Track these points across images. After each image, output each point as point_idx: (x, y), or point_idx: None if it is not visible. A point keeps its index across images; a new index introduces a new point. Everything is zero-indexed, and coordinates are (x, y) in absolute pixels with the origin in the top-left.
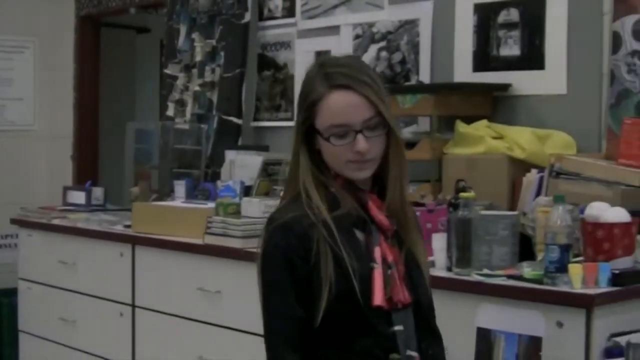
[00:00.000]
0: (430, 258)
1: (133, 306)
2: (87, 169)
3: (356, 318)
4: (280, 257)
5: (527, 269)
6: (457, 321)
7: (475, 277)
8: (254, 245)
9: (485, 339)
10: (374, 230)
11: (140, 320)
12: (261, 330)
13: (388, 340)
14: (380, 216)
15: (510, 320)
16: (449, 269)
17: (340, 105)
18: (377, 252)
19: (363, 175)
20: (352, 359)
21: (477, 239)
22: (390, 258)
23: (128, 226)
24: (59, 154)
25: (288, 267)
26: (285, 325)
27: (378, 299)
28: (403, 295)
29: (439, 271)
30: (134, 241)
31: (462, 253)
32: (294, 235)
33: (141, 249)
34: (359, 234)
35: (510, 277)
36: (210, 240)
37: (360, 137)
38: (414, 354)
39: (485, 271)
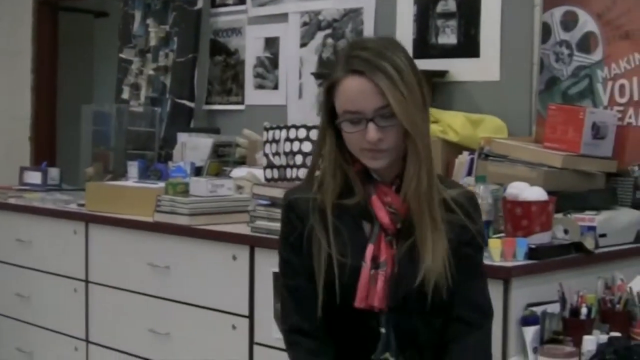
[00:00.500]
0: None
1: (86, 282)
2: (44, 150)
3: (339, 312)
4: (283, 235)
5: None
6: None
7: None
8: (201, 223)
9: None
10: (377, 225)
11: (94, 295)
12: (208, 303)
13: (369, 341)
14: (382, 212)
15: None
16: None
17: (354, 92)
18: (368, 250)
19: (377, 165)
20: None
21: None
22: (383, 257)
23: (82, 205)
24: (17, 136)
25: (289, 245)
26: (290, 296)
27: (359, 300)
28: (378, 299)
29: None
30: (87, 219)
31: None
32: (295, 216)
33: (94, 226)
34: (367, 227)
35: None
36: (160, 218)
37: (371, 125)
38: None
39: None
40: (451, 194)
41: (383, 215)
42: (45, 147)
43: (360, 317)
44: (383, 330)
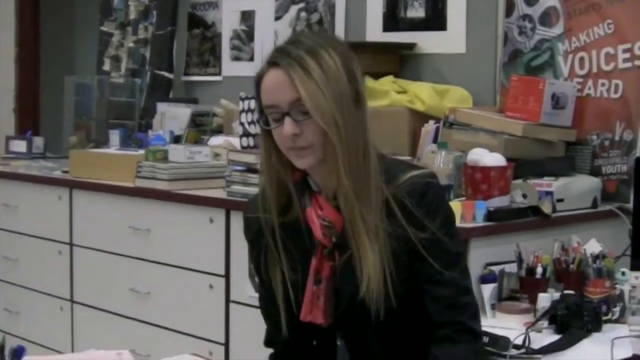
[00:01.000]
0: None
1: (71, 245)
2: (28, 121)
3: (303, 325)
4: (248, 249)
5: None
6: None
7: None
8: (179, 188)
9: None
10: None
11: (77, 257)
12: (186, 264)
13: (333, 352)
14: (315, 226)
15: None
16: None
17: (270, 84)
18: (312, 265)
19: (304, 164)
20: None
21: None
22: (323, 272)
23: (66, 172)
24: (2, 107)
25: (253, 260)
26: (261, 308)
27: (304, 315)
28: (320, 315)
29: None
30: (71, 185)
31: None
32: (252, 235)
33: (78, 192)
34: (309, 241)
35: None
36: (140, 183)
37: (286, 119)
38: None
39: None
40: (396, 191)
41: (316, 229)
42: (29, 117)
43: (320, 330)
44: (338, 342)
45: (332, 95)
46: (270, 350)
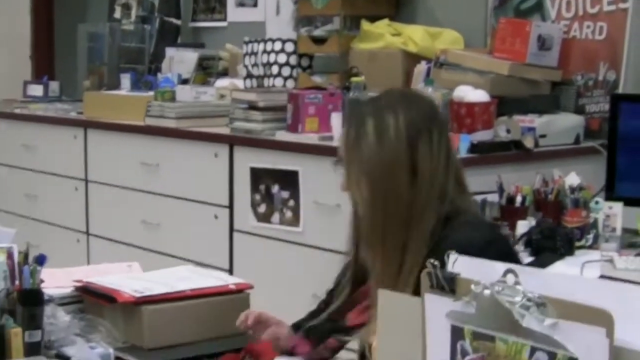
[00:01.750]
0: (329, 133)
1: (86, 181)
2: (43, 67)
3: None
4: None
5: None
6: None
7: None
8: (186, 125)
9: None
10: None
11: (92, 192)
12: (193, 196)
13: None
14: None
15: None
16: None
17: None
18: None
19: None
20: None
21: None
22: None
23: (81, 113)
24: (19, 54)
25: None
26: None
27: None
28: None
29: (336, 142)
30: (85, 125)
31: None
32: None
33: (92, 131)
34: None
35: None
36: (150, 121)
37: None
38: None
39: None
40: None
41: None
42: (45, 64)
43: None
44: None
45: (368, 165)
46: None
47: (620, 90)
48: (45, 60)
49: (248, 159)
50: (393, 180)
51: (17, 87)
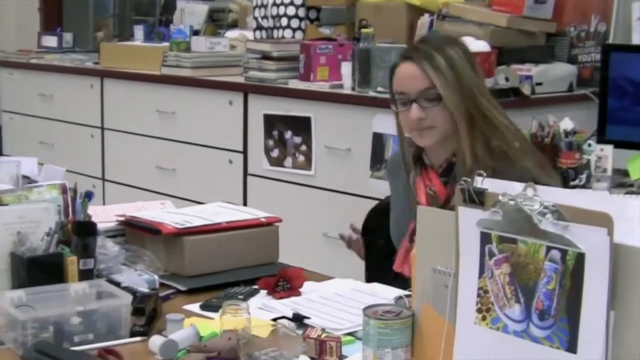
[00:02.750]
0: (339, 81)
1: (102, 129)
2: (52, 19)
3: None
4: None
5: None
6: (359, 127)
7: (372, 93)
8: (201, 74)
9: (379, 140)
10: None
11: (108, 139)
12: (208, 142)
13: None
14: (421, 193)
15: None
16: (353, 89)
17: (401, 74)
18: (411, 226)
19: (424, 143)
20: None
21: (375, 65)
22: None
23: (96, 63)
24: (27, 7)
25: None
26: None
27: (396, 265)
28: (406, 270)
29: (346, 90)
30: (102, 74)
31: (363, 76)
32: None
33: (108, 80)
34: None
35: None
36: (166, 71)
37: (413, 105)
38: None
39: (380, 89)
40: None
41: (421, 195)
42: (53, 16)
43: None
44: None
45: (458, 85)
46: None
47: (610, 41)
48: (54, 12)
49: (262, 106)
50: (472, 96)
51: (27, 39)
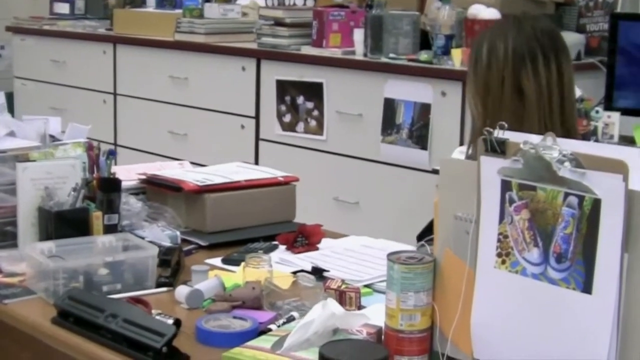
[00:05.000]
0: (352, 48)
1: (114, 94)
2: None
3: None
4: None
5: (423, 55)
6: (371, 93)
7: (384, 60)
8: (215, 40)
9: (390, 106)
10: None
11: (121, 105)
12: (220, 107)
13: None
14: None
15: (408, 91)
16: (365, 55)
17: None
18: None
19: None
20: None
21: (386, 32)
22: None
23: (109, 29)
24: None
25: None
26: None
27: None
28: None
29: (358, 56)
30: (115, 40)
31: (375, 42)
32: None
33: (121, 47)
34: None
35: (410, 60)
36: (179, 37)
37: None
38: None
39: (392, 55)
40: None
41: None
42: None
43: None
44: None
45: (484, 91)
46: None
47: (618, 10)
48: None
49: (274, 72)
50: (500, 98)
51: (39, 6)
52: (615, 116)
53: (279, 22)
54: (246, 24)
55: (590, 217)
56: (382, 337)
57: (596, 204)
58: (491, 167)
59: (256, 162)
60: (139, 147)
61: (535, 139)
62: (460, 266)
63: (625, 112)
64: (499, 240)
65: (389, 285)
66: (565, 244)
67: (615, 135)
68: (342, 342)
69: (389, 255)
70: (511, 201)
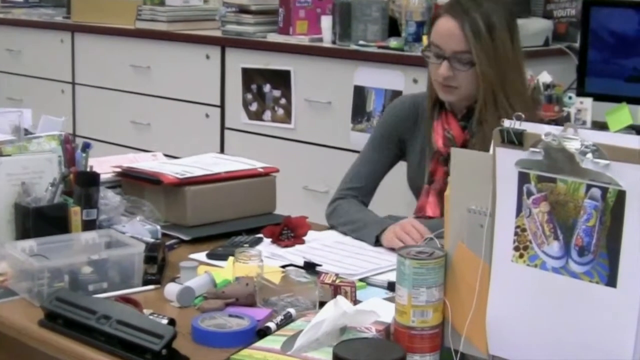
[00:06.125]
0: (319, 35)
1: (73, 84)
2: None
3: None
4: None
5: (393, 42)
6: (340, 81)
7: (353, 47)
8: (177, 28)
9: (360, 94)
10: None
11: (80, 95)
12: (184, 96)
13: None
14: (438, 136)
15: (379, 78)
16: (334, 42)
17: (440, 29)
18: (429, 167)
19: (446, 99)
20: None
21: (355, 18)
22: (436, 175)
23: (67, 17)
24: None
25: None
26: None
27: (417, 210)
28: (431, 209)
29: (327, 44)
30: (73, 29)
31: (343, 29)
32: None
33: (80, 35)
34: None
35: (380, 47)
36: (141, 25)
37: (444, 63)
38: None
39: (362, 43)
40: None
41: (438, 139)
42: None
43: None
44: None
45: (494, 58)
46: None
47: None
48: None
49: (240, 60)
50: (506, 67)
51: None
52: (588, 102)
53: (243, 10)
54: (209, 11)
55: (614, 209)
56: (391, 334)
57: (621, 195)
58: (508, 159)
59: (222, 152)
60: (99, 138)
61: (556, 130)
62: (474, 260)
63: (597, 97)
64: (516, 234)
65: (400, 281)
66: (588, 236)
67: (587, 121)
68: (356, 342)
69: (399, 250)
70: (529, 193)
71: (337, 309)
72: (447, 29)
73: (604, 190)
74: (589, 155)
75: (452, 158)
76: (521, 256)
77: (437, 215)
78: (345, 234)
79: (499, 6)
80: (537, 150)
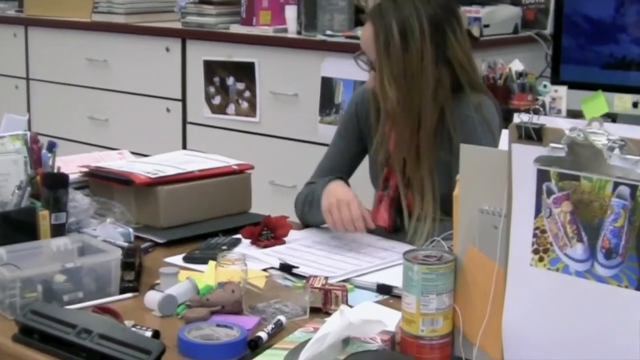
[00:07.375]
0: (283, 25)
1: (27, 79)
2: None
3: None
4: None
5: (361, 31)
6: (307, 73)
7: (320, 37)
8: (135, 21)
9: (328, 85)
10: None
11: (35, 90)
12: (143, 90)
13: None
14: (391, 140)
15: (347, 69)
16: (299, 33)
17: (362, 35)
18: (384, 173)
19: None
20: None
21: (321, 8)
22: (391, 182)
23: (19, 11)
24: None
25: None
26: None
27: (372, 219)
28: (379, 219)
29: (292, 34)
30: (26, 23)
31: (309, 19)
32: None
33: (33, 29)
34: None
35: (347, 37)
36: (97, 17)
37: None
38: None
39: (328, 33)
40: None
41: (391, 143)
42: None
43: None
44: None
45: (403, 69)
46: None
47: None
48: None
49: (201, 53)
50: (421, 74)
51: None
52: (563, 90)
53: (204, 0)
54: (168, 3)
55: None
56: (397, 343)
57: None
58: (525, 156)
59: (184, 147)
60: (56, 135)
61: (581, 123)
62: (487, 264)
63: (572, 85)
64: (535, 236)
65: (407, 287)
66: (616, 238)
67: (563, 110)
68: (366, 354)
69: (405, 254)
70: (549, 192)
71: (342, 320)
72: (365, 36)
73: (634, 188)
74: (617, 151)
75: (461, 155)
76: (541, 259)
77: (389, 227)
78: (309, 218)
79: (432, 5)
80: (559, 146)
